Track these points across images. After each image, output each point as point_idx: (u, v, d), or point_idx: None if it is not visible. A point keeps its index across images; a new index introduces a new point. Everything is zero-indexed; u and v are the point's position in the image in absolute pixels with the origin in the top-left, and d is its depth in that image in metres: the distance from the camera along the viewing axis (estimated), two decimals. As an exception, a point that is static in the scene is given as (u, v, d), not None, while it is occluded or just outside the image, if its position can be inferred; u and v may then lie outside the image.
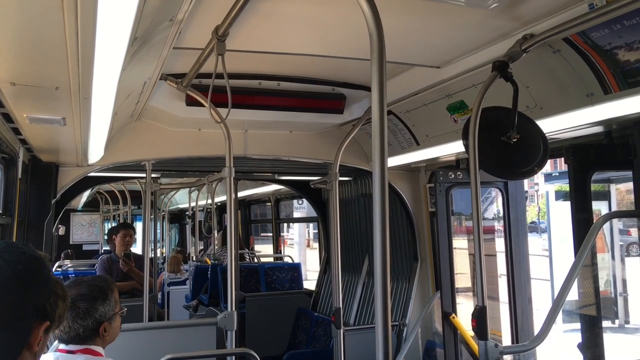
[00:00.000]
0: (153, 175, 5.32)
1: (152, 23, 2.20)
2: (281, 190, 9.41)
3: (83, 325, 2.50)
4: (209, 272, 7.92)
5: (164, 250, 11.75)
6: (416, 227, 5.57)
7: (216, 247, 9.52)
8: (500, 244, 4.78)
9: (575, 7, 2.58)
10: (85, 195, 10.32)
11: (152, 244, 7.22)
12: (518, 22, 2.84)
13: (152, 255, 6.96)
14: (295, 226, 22.96)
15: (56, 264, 9.30)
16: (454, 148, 4.30)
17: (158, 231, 10.18)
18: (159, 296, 8.37)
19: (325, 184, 4.89)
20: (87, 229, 13.97)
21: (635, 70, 2.72)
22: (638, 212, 3.17)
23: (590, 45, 2.77)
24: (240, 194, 9.84)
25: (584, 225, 3.53)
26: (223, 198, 10.43)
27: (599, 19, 2.50)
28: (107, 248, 9.52)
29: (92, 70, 2.01)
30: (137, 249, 9.91)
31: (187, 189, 10.08)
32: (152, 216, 6.79)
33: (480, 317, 2.87)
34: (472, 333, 3.39)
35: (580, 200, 3.67)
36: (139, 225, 11.48)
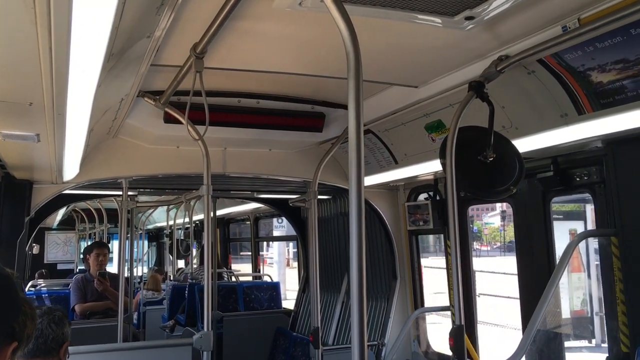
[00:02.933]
0: (130, 193, 5.26)
1: (128, 39, 2.19)
2: (260, 208, 9.37)
3: (55, 332, 2.54)
4: (186, 292, 7.81)
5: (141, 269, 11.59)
6: (395, 246, 5.57)
7: (194, 266, 9.41)
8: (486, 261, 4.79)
9: (549, 30, 2.64)
10: (61, 214, 10.16)
11: (128, 263, 7.11)
12: (493, 43, 2.89)
13: (128, 274, 6.85)
14: (275, 245, 22.86)
15: (29, 284, 9.10)
16: (432, 167, 4.33)
17: (135, 250, 10.04)
18: (135, 316, 8.23)
19: (304, 202, 4.88)
20: (62, 248, 13.71)
21: (607, 91, 2.78)
22: (613, 231, 3.21)
23: (564, 66, 2.82)
24: (219, 212, 9.76)
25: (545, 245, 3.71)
26: (202, 216, 10.34)
27: (572, 41, 2.56)
28: (83, 267, 9.35)
29: (66, 86, 1.99)
30: (113, 268, 9.76)
31: (165, 207, 9.98)
32: (129, 235, 6.69)
33: (457, 336, 2.87)
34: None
35: (541, 221, 3.82)
36: (116, 244, 11.31)
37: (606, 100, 2.82)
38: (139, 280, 10.71)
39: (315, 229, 4.64)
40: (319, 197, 4.83)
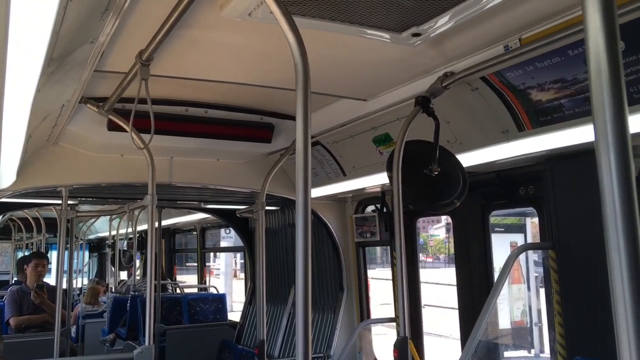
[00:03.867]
0: (70, 202, 5.08)
1: (70, 44, 2.12)
2: (208, 218, 9.24)
3: None
4: (128, 304, 7.59)
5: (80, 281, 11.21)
6: (342, 257, 5.59)
7: (137, 278, 9.17)
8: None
9: (492, 48, 2.72)
10: (-4, 222, 9.72)
11: (67, 275, 6.86)
12: (439, 60, 2.96)
13: (67, 286, 6.61)
14: (222, 256, 22.57)
15: (-40, 296, 8.64)
16: (379, 179, 4.38)
17: (75, 261, 9.69)
18: (74, 330, 7.93)
19: (252, 213, 4.84)
20: (-4, 258, 13.11)
21: (546, 109, 2.88)
22: (550, 244, 3.33)
23: (505, 84, 2.91)
24: (165, 222, 9.56)
25: (485, 258, 3.82)
26: (146, 226, 10.10)
27: (514, 60, 2.65)
28: (17, 279, 8.95)
29: (2, 91, 1.91)
30: (52, 279, 9.39)
31: (108, 217, 9.70)
32: (68, 245, 6.45)
33: (401, 348, 2.89)
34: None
35: (479, 234, 3.91)
36: (55, 255, 10.89)
37: (545, 118, 2.92)
38: (78, 292, 10.35)
39: (262, 240, 4.61)
40: (267, 208, 4.79)
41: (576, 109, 2.76)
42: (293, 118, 4.41)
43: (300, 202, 1.62)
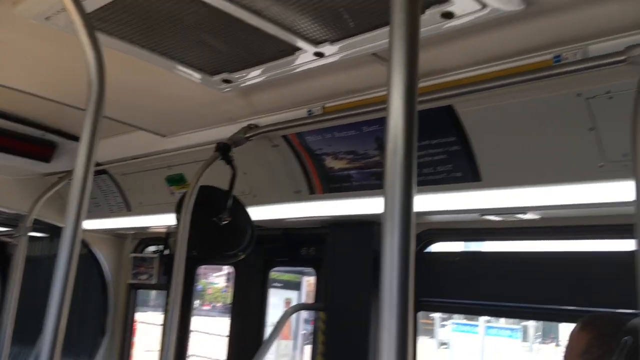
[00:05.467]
0: None
1: None
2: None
3: None
4: None
5: None
6: (111, 298, 5.17)
7: None
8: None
9: (297, 110, 2.82)
10: None
11: None
12: (246, 110, 2.97)
13: None
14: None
15: None
16: (167, 220, 4.19)
17: None
18: None
19: (12, 237, 4.26)
20: None
21: (337, 177, 3.04)
22: (322, 306, 3.45)
23: (304, 146, 3.02)
24: None
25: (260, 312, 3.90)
26: None
27: (314, 126, 2.78)
28: None
29: None
30: None
31: None
32: None
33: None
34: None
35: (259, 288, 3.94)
36: None
37: (335, 185, 3.08)
38: None
39: (18, 270, 4.05)
40: (34, 234, 4.26)
41: (363, 182, 2.96)
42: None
43: (68, 231, 1.43)
